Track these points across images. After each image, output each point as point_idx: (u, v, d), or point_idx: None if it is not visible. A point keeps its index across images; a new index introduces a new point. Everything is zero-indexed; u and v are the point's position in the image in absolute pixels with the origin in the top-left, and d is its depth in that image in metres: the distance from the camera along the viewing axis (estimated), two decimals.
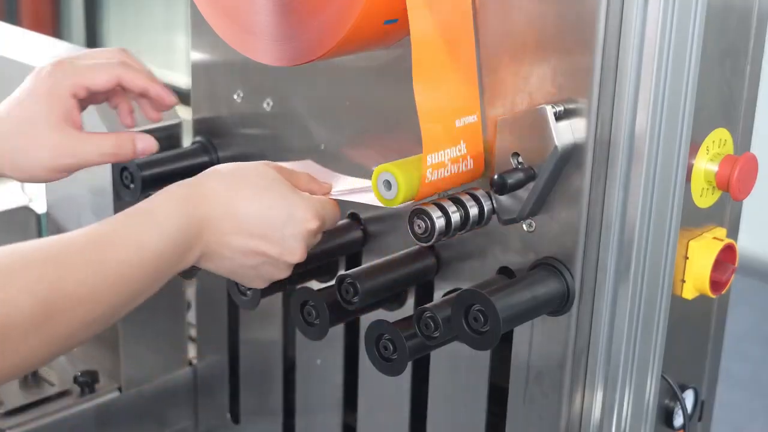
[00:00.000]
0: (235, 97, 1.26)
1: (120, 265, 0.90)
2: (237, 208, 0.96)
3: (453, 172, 0.99)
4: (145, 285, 0.92)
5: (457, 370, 1.11)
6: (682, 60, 0.94)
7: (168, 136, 1.31)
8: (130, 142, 1.09)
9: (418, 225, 0.96)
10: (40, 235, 1.43)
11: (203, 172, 1.00)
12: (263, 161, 1.02)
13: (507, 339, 1.03)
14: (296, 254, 0.99)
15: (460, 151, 0.99)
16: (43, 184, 1.38)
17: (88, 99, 1.10)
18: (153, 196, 0.96)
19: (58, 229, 1.38)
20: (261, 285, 1.01)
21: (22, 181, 1.15)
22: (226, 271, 0.99)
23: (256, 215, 0.97)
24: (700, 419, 1.19)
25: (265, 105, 1.23)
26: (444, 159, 0.97)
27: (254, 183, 0.98)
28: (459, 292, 0.96)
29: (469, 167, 1.00)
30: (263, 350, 1.34)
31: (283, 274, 1.00)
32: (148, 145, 1.10)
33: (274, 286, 1.13)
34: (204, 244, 0.96)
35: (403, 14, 0.95)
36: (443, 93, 0.98)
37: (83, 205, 1.33)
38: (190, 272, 1.21)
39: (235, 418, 1.40)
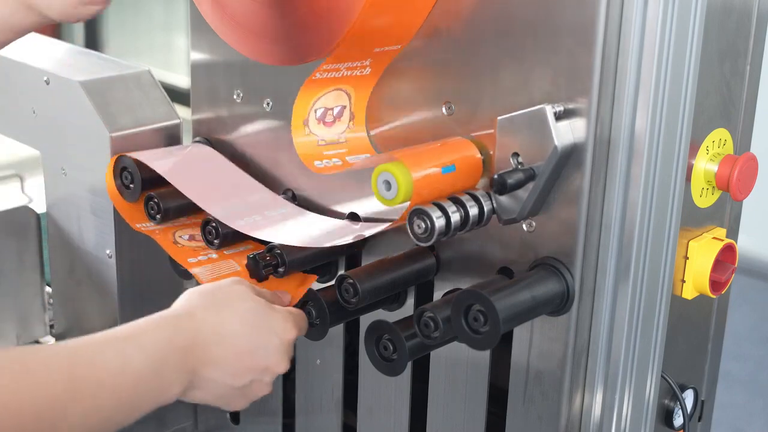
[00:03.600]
0: (235, 97, 1.26)
1: (95, 387, 0.87)
2: (225, 331, 0.98)
3: (345, 75, 1.01)
4: (118, 413, 0.90)
5: (457, 370, 1.11)
6: (681, 60, 0.94)
7: (168, 136, 1.31)
8: None
9: (418, 225, 0.96)
10: (39, 235, 1.43)
11: (184, 297, 1.01)
12: (235, 278, 1.05)
13: (507, 339, 1.03)
14: (281, 365, 1.01)
15: (362, 65, 1.01)
16: (43, 185, 1.38)
17: None
18: (139, 320, 0.95)
19: (58, 229, 1.38)
20: (244, 406, 1.02)
21: (58, 20, 1.14)
22: (214, 397, 0.99)
23: (242, 335, 0.98)
24: (699, 419, 1.19)
25: (264, 105, 1.23)
26: (341, 67, 0.99)
27: (236, 305, 1.00)
28: (459, 292, 0.95)
29: (364, 73, 1.01)
30: None
31: (266, 389, 1.01)
32: None
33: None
34: (192, 372, 0.95)
35: (401, 14, 0.95)
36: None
37: (83, 205, 1.33)
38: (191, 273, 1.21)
39: (235, 419, 1.40)
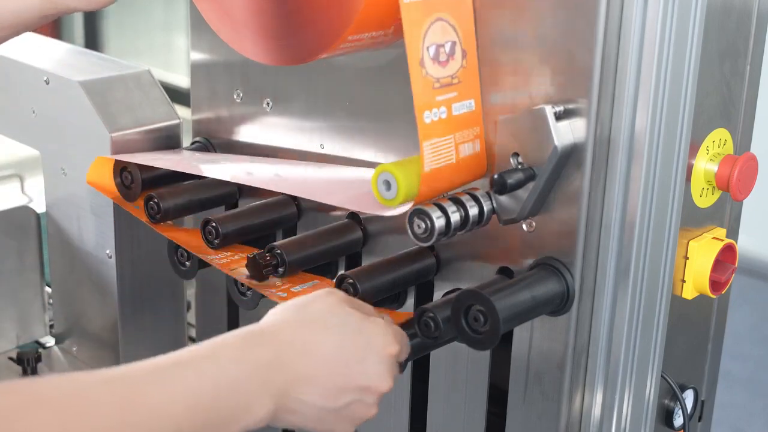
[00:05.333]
0: (235, 97, 1.26)
1: (155, 417, 0.78)
2: (315, 346, 0.88)
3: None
4: None
5: (457, 370, 1.11)
6: (681, 60, 0.94)
7: (168, 136, 1.31)
8: None
9: (418, 225, 0.96)
10: (39, 235, 1.43)
11: (270, 313, 0.91)
12: (328, 289, 0.95)
13: (507, 339, 1.03)
14: (384, 381, 0.90)
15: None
16: (43, 185, 1.38)
17: None
18: (218, 336, 0.87)
19: (58, 229, 1.38)
20: (351, 429, 0.91)
21: (84, 9, 1.13)
22: (310, 421, 0.89)
23: (335, 350, 0.89)
24: (700, 419, 1.19)
25: (264, 105, 1.23)
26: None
27: (328, 318, 0.90)
28: (459, 292, 0.96)
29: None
30: None
31: (372, 410, 0.91)
32: None
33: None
34: (280, 393, 0.86)
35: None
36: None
37: (83, 205, 1.33)
38: (191, 272, 1.21)
39: None
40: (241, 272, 1.11)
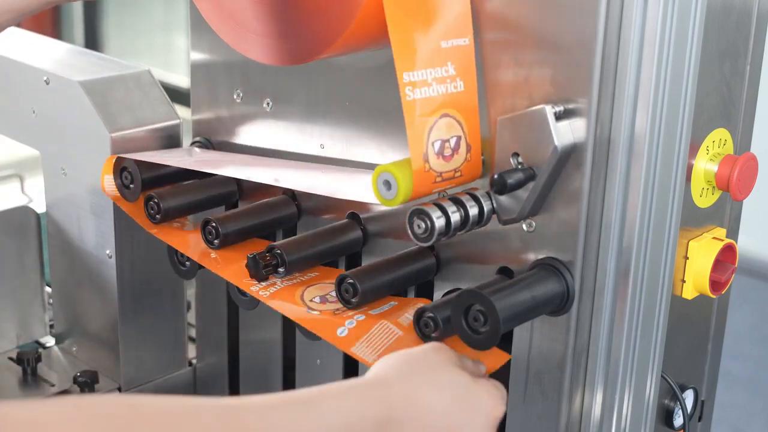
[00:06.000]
0: (235, 97, 1.26)
1: None
2: (423, 406, 0.86)
3: (440, 92, 0.94)
4: None
5: None
6: (681, 60, 0.94)
7: (168, 136, 1.31)
8: None
9: (418, 225, 0.96)
10: (39, 235, 1.43)
11: (377, 366, 0.89)
12: (435, 345, 0.93)
13: (507, 339, 1.03)
14: None
15: (446, 71, 0.95)
16: (43, 185, 1.38)
17: None
18: (319, 386, 0.83)
19: (58, 229, 1.38)
20: None
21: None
22: None
23: (443, 411, 0.87)
24: (700, 419, 1.19)
25: (264, 105, 1.23)
26: (427, 77, 0.94)
27: (437, 376, 0.89)
28: (459, 292, 0.95)
29: (458, 89, 0.95)
30: (263, 350, 1.34)
31: None
32: None
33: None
34: None
35: None
36: (424, 7, 0.94)
37: (83, 206, 1.33)
38: (191, 272, 1.21)
39: None
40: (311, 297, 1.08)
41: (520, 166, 0.97)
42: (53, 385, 1.36)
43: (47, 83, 1.32)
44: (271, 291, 1.08)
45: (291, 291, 1.09)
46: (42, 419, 0.70)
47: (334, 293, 1.06)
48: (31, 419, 0.70)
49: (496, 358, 1.01)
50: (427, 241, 0.96)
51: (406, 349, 0.92)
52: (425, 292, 1.12)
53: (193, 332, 1.45)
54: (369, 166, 1.12)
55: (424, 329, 0.98)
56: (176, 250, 1.21)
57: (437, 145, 0.95)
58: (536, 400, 1.04)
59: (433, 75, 0.95)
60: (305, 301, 1.08)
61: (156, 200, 1.20)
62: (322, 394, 0.82)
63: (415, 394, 0.86)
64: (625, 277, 0.97)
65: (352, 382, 0.85)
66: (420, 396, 0.86)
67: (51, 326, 1.48)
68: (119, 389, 1.38)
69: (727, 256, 1.06)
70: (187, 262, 1.20)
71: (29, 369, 1.38)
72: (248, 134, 1.26)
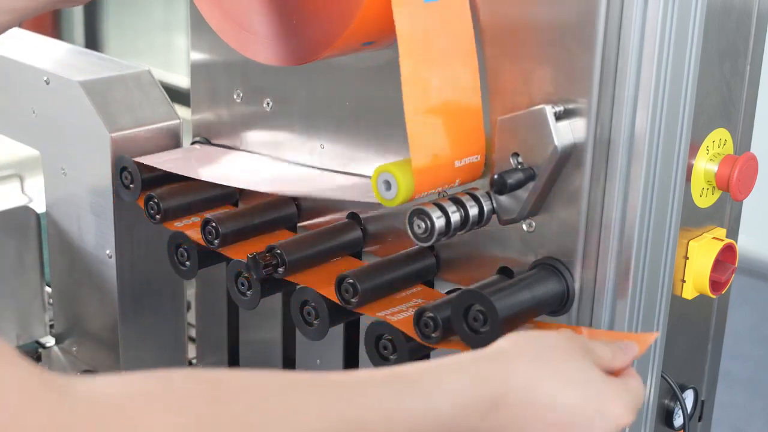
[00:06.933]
0: (235, 97, 1.26)
1: None
2: (538, 392, 0.79)
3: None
4: None
5: None
6: (681, 60, 0.94)
7: (168, 136, 1.31)
8: None
9: (418, 225, 0.96)
10: (39, 235, 1.43)
11: (504, 339, 0.83)
12: (568, 332, 0.87)
13: None
14: None
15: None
16: (43, 185, 1.38)
17: None
18: (435, 360, 0.78)
19: (57, 229, 1.38)
20: None
21: (69, 5, 1.12)
22: None
23: (559, 404, 0.79)
24: (700, 419, 1.19)
25: (265, 105, 1.23)
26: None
27: (562, 364, 0.82)
28: (459, 292, 0.95)
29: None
30: (263, 350, 1.34)
31: None
32: None
33: (274, 286, 1.13)
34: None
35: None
36: (439, 129, 0.96)
37: (83, 205, 1.33)
38: (191, 272, 1.21)
39: None
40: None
41: (520, 166, 0.97)
42: None
43: (47, 83, 1.32)
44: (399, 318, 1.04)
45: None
46: (124, 394, 0.66)
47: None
48: (114, 393, 0.66)
49: (644, 336, 0.94)
50: (427, 241, 0.96)
51: (537, 331, 0.85)
52: None
53: (193, 332, 1.45)
54: (369, 167, 1.12)
55: (424, 329, 0.98)
56: (177, 250, 1.21)
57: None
58: None
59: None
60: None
61: (156, 200, 1.20)
62: (437, 367, 0.76)
63: (537, 383, 0.79)
64: (625, 277, 0.97)
65: (474, 354, 0.79)
66: (542, 386, 0.79)
67: (51, 326, 1.48)
68: None
69: (727, 256, 1.06)
70: (187, 262, 1.20)
71: None
72: (248, 134, 1.26)
